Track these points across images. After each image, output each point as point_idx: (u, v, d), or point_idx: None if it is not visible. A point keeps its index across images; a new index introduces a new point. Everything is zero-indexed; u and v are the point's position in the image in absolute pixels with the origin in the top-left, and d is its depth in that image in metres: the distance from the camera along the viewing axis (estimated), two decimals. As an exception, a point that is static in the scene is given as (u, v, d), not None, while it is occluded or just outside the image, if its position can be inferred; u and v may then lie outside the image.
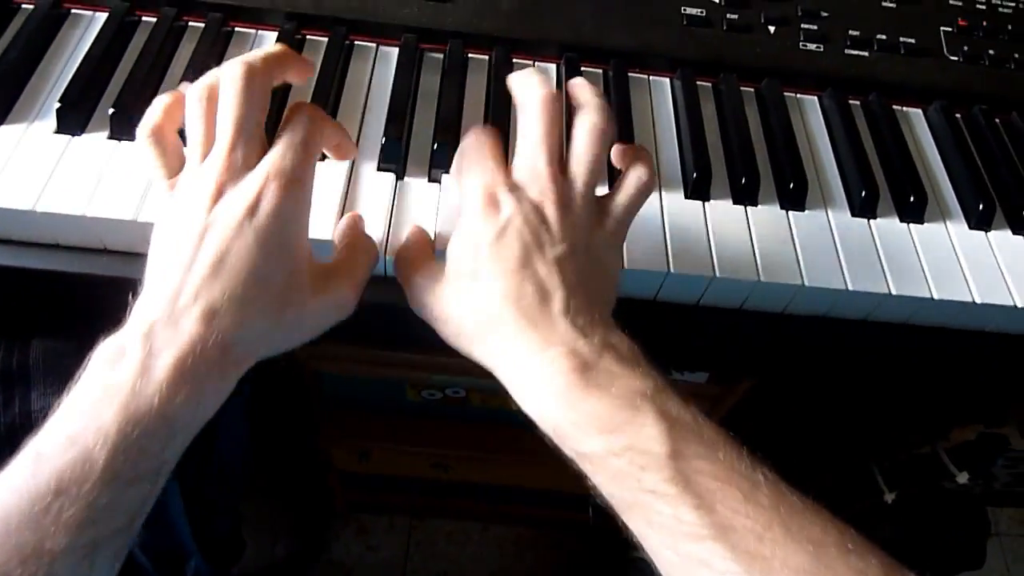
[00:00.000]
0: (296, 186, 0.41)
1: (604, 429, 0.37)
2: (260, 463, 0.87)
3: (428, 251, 0.48)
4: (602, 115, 0.45)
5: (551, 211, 0.43)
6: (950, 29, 0.65)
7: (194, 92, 0.42)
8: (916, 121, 0.64)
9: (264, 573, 1.26)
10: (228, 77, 0.41)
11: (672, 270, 0.50)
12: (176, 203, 0.41)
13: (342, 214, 0.50)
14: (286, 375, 0.84)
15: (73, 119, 0.51)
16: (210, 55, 0.56)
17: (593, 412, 0.37)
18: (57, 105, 0.51)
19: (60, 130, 0.51)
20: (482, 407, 0.99)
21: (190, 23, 0.59)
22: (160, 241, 0.41)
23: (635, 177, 0.46)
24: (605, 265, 0.45)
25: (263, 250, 0.39)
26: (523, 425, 1.05)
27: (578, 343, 0.39)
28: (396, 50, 0.60)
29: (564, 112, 0.48)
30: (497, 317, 0.41)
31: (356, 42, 0.60)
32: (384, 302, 0.50)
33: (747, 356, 0.63)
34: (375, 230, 0.49)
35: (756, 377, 0.81)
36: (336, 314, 0.44)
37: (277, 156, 0.41)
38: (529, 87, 0.45)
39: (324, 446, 1.06)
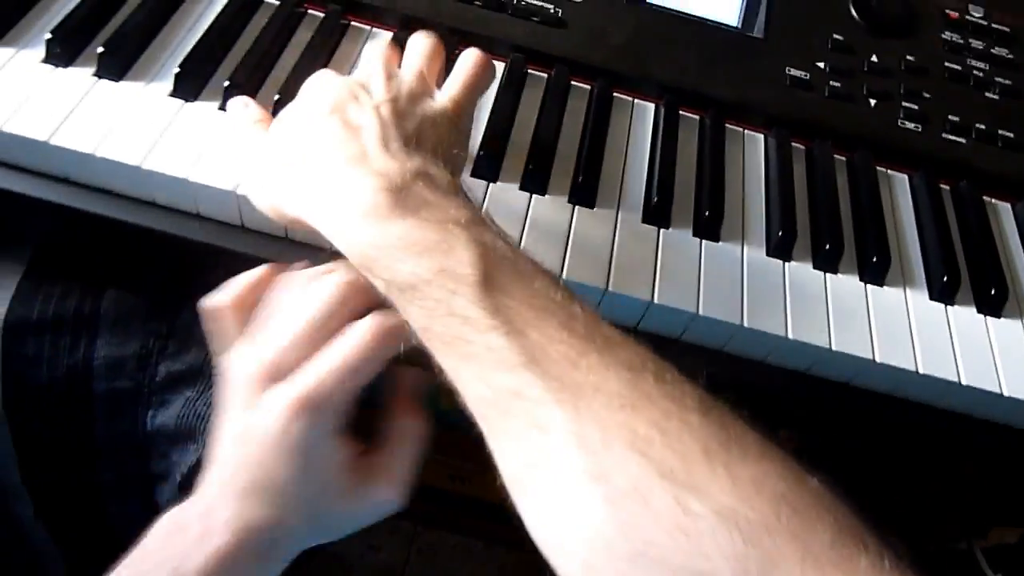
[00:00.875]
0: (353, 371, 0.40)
1: (413, 251, 0.35)
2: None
3: (263, 120, 0.47)
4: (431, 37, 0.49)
5: (376, 80, 0.44)
6: (1050, 128, 0.64)
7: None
8: (1004, 215, 0.63)
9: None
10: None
11: (745, 324, 0.50)
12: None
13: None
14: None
15: (189, 85, 0.53)
16: (324, 47, 0.58)
17: (402, 234, 0.35)
18: (176, 70, 0.53)
19: (175, 94, 0.53)
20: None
21: (309, 11, 0.61)
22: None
23: (468, 57, 0.48)
24: (436, 120, 0.44)
25: (318, 447, 0.40)
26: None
27: (389, 165, 0.38)
28: (502, 65, 0.61)
29: None
30: (308, 152, 0.40)
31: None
32: None
33: (797, 418, 0.63)
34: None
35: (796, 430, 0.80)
36: (379, 512, 0.44)
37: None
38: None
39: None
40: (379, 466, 0.44)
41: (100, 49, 0.52)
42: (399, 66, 0.48)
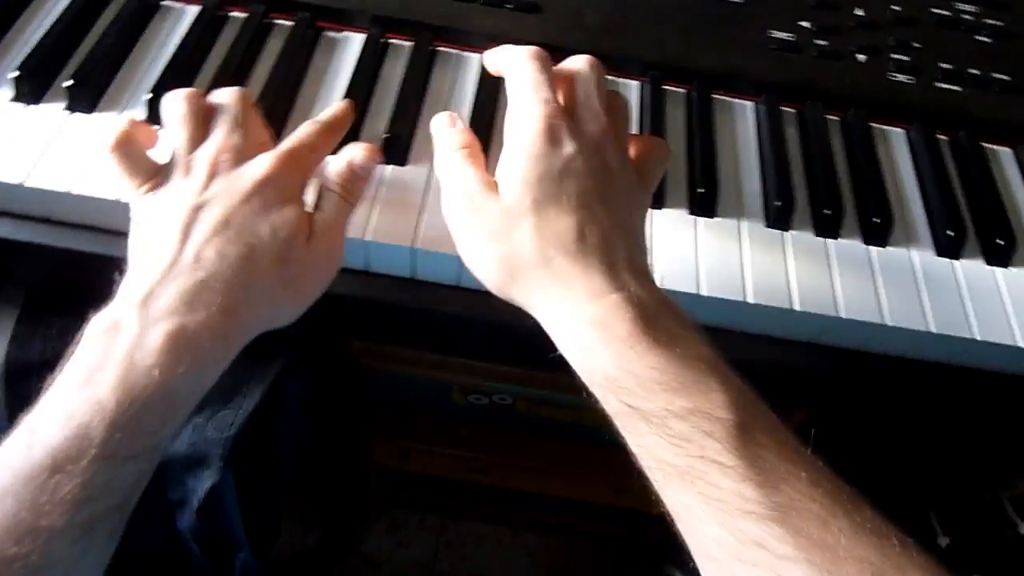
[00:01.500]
0: (296, 163, 0.42)
1: (668, 388, 0.35)
2: (308, 457, 0.87)
3: (480, 157, 0.44)
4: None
5: (611, 155, 0.42)
6: (1046, 67, 0.63)
7: (182, 92, 0.44)
8: (1006, 161, 0.62)
9: (294, 561, 1.27)
10: (222, 92, 0.45)
11: (750, 300, 0.49)
12: (166, 192, 0.41)
13: (419, 214, 0.50)
14: (340, 372, 0.84)
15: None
16: (297, 55, 0.57)
17: (657, 367, 0.35)
18: (148, 96, 0.52)
19: (149, 119, 0.52)
20: (527, 415, 0.98)
21: (277, 21, 0.59)
22: (147, 225, 0.41)
23: (658, 146, 0.47)
24: (640, 213, 0.44)
25: (268, 216, 0.40)
26: (565, 436, 1.04)
27: (640, 293, 0.37)
28: (478, 58, 0.59)
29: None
30: (557, 249, 0.38)
31: (440, 48, 0.60)
32: (447, 311, 0.52)
33: (803, 386, 0.62)
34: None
35: (810, 408, 0.80)
36: (329, 265, 0.44)
37: (290, 144, 0.43)
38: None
39: (367, 442, 1.06)
40: (323, 226, 0.43)
41: (69, 82, 0.51)
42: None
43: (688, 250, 0.51)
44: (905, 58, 0.61)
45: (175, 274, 0.38)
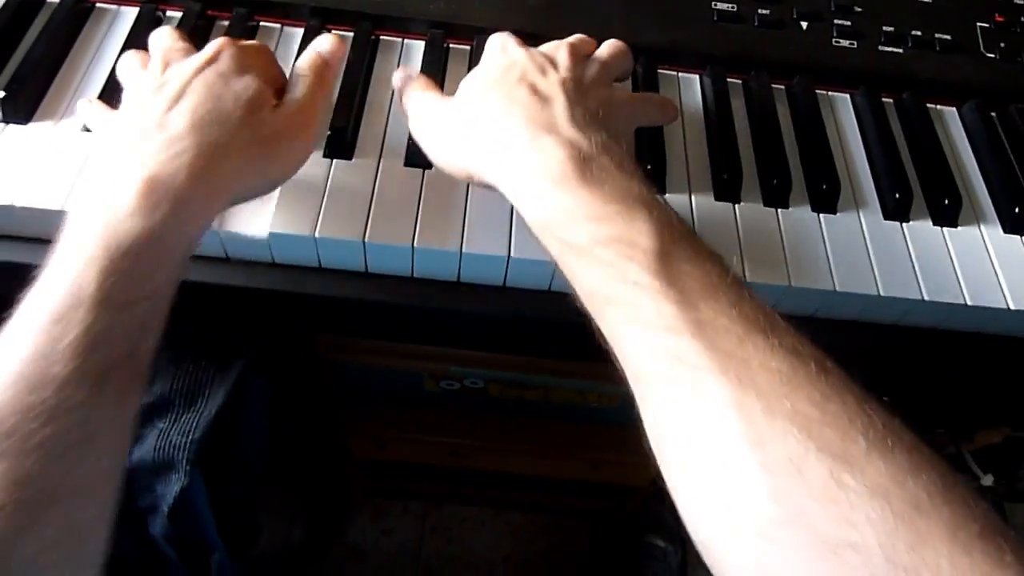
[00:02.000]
0: (248, 52, 0.45)
1: (593, 217, 0.37)
2: (279, 453, 0.87)
3: (435, 86, 0.50)
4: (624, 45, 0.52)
5: (561, 56, 0.47)
6: (987, 25, 0.63)
7: (130, 53, 0.48)
8: (950, 120, 0.63)
9: (280, 557, 1.28)
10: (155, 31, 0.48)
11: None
12: (126, 95, 0.45)
13: (370, 210, 0.50)
14: (306, 368, 0.84)
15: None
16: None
17: (585, 201, 0.38)
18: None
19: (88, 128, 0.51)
20: (500, 397, 0.99)
21: (217, 18, 0.58)
22: (116, 124, 0.43)
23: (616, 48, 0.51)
24: (619, 111, 0.47)
25: (227, 81, 0.43)
26: (539, 415, 1.05)
27: (576, 136, 0.40)
28: (422, 44, 0.59)
29: None
30: (496, 118, 0.43)
31: (382, 37, 0.60)
32: (409, 303, 0.52)
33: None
34: (407, 221, 0.50)
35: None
36: (302, 136, 0.46)
37: (223, 38, 0.46)
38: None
39: (342, 435, 1.06)
40: (291, 107, 0.46)
41: (1, 93, 0.50)
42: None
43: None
44: (847, 23, 0.61)
45: (142, 139, 0.39)
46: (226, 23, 0.58)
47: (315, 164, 0.51)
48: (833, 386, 0.32)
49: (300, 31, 0.58)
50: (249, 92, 0.43)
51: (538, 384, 0.95)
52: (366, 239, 0.49)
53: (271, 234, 0.48)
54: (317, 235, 0.48)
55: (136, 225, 0.36)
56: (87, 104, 0.50)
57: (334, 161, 0.52)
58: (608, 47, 0.51)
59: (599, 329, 0.38)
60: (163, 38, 0.47)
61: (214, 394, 0.61)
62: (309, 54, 0.48)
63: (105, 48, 0.56)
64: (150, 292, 0.37)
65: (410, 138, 0.52)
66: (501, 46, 0.48)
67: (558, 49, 0.48)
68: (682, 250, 0.36)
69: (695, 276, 0.35)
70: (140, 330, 0.37)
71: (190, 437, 0.59)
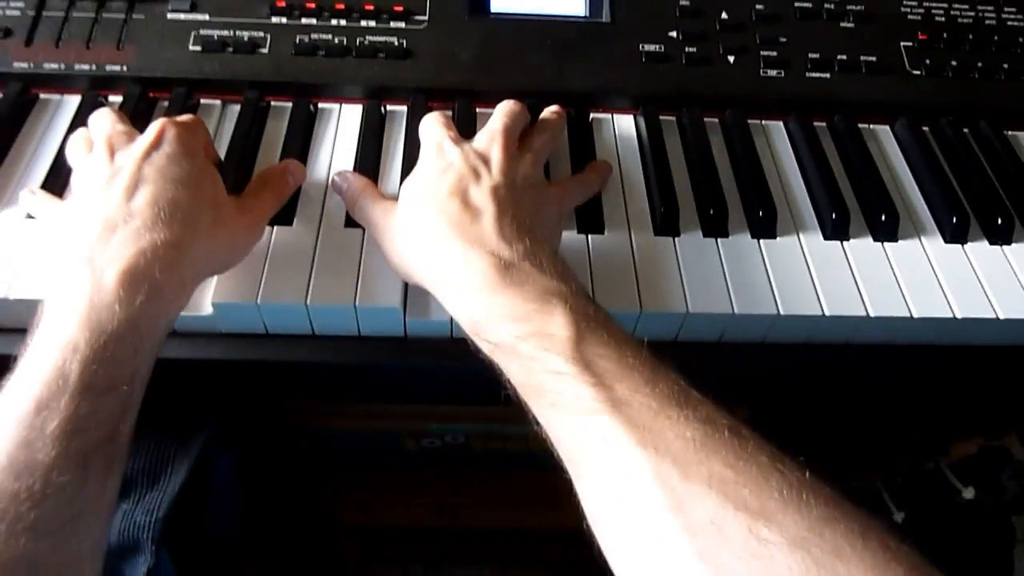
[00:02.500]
0: (189, 128, 0.47)
1: (515, 318, 0.40)
2: (259, 525, 0.86)
3: (378, 193, 0.52)
4: (557, 115, 0.55)
5: (496, 155, 0.48)
6: (911, 44, 0.65)
7: (72, 138, 0.50)
8: (884, 138, 0.64)
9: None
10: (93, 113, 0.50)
11: (643, 309, 0.50)
12: (76, 188, 0.46)
13: (312, 270, 0.50)
14: (279, 437, 0.83)
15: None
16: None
17: (507, 303, 0.40)
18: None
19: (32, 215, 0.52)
20: (484, 451, 0.98)
21: (158, 101, 0.60)
22: (71, 214, 0.44)
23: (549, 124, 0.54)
24: (546, 211, 0.49)
25: (179, 164, 0.45)
26: (524, 467, 1.03)
27: (500, 247, 0.43)
28: (359, 108, 0.60)
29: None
30: (432, 233, 0.45)
31: (320, 104, 0.61)
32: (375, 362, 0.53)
33: (735, 387, 0.62)
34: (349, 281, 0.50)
35: (748, 406, 0.80)
36: (254, 228, 0.49)
37: (160, 121, 0.47)
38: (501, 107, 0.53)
39: (328, 503, 1.05)
40: (249, 199, 0.50)
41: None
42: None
43: (583, 268, 0.52)
44: (773, 53, 0.63)
45: (111, 229, 0.41)
46: (167, 103, 0.59)
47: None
48: (747, 448, 0.33)
49: (238, 106, 0.60)
50: (204, 177, 0.46)
51: (518, 434, 0.94)
52: (308, 302, 0.49)
53: (215, 305, 0.49)
54: (259, 301, 0.49)
55: (116, 315, 0.38)
56: (30, 195, 0.51)
57: (275, 228, 0.52)
58: (541, 131, 0.53)
59: (534, 418, 0.40)
60: (104, 122, 0.49)
61: (177, 470, 0.60)
62: (278, 167, 0.53)
63: (48, 137, 0.57)
64: (129, 375, 0.39)
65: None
66: (437, 145, 0.50)
67: (492, 143, 0.49)
68: (596, 335, 0.38)
69: (610, 358, 0.37)
70: (121, 412, 0.39)
71: (154, 516, 0.58)
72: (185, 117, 0.50)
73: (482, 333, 0.41)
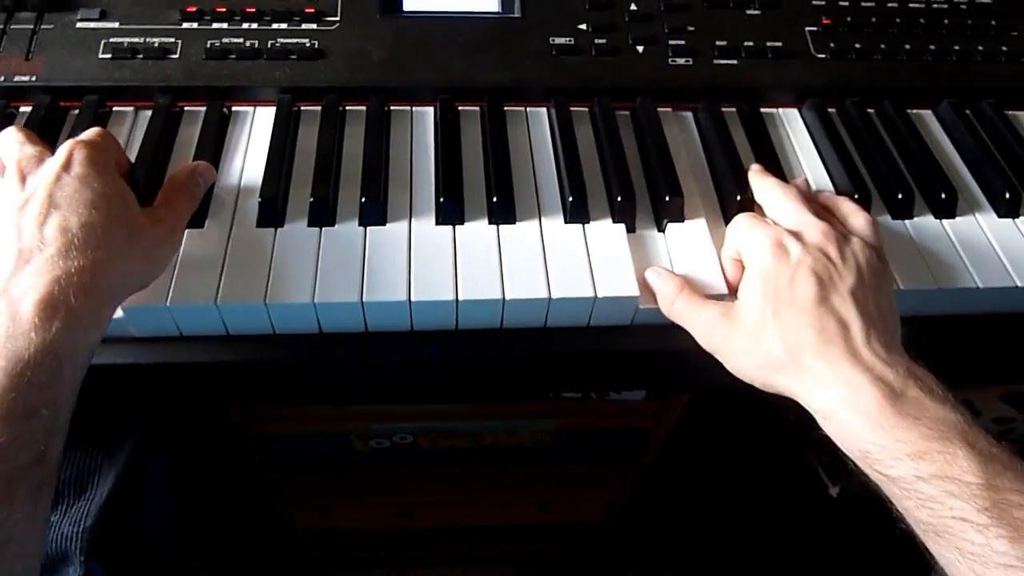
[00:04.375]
0: (98, 147, 0.47)
1: (914, 455, 0.39)
2: (200, 532, 0.85)
3: (700, 291, 0.51)
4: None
5: (833, 250, 0.48)
6: (815, 29, 0.66)
7: None
8: (792, 120, 0.65)
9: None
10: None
11: (553, 296, 0.51)
12: None
13: (223, 270, 0.51)
14: (224, 440, 0.83)
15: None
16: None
17: (904, 439, 0.40)
18: None
19: None
20: (433, 450, 0.98)
21: (69, 110, 0.60)
22: None
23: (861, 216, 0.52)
24: (887, 292, 0.48)
25: (90, 186, 0.44)
26: (476, 464, 1.03)
27: (885, 371, 0.42)
28: (272, 111, 0.61)
29: None
30: (801, 348, 0.44)
31: (234, 108, 0.61)
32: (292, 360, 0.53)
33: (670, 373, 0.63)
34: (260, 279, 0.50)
35: (689, 390, 0.82)
36: (172, 237, 0.49)
37: (68, 143, 0.47)
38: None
39: (283, 508, 1.05)
40: (160, 210, 0.49)
41: None
42: None
43: (492, 257, 0.53)
44: (681, 42, 0.64)
45: (24, 260, 0.41)
46: (76, 111, 0.59)
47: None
48: None
49: (149, 111, 0.60)
50: (116, 196, 0.45)
51: (465, 431, 0.95)
52: (218, 301, 0.49)
53: (125, 309, 0.49)
54: (170, 303, 0.49)
55: (33, 342, 0.38)
56: None
57: (186, 231, 0.53)
58: (866, 223, 0.52)
59: (927, 550, 0.40)
60: (12, 144, 0.48)
61: (104, 479, 0.60)
62: (186, 170, 0.53)
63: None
64: (51, 399, 0.39)
65: (262, 201, 0.53)
66: (774, 242, 0.48)
67: (828, 240, 0.48)
68: (1008, 481, 0.38)
69: (1021, 506, 0.36)
70: (45, 435, 0.39)
71: (82, 526, 0.58)
72: (93, 132, 0.49)
73: (875, 466, 0.41)
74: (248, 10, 0.62)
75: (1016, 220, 0.59)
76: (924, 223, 0.58)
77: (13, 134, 0.49)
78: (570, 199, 0.55)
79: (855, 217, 0.52)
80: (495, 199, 0.55)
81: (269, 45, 0.61)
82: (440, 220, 0.55)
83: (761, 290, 0.47)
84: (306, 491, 1.04)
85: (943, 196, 0.58)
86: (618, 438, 0.98)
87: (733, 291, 0.52)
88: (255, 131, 0.60)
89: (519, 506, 1.09)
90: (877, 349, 0.44)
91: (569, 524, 1.15)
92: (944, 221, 0.58)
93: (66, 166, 0.45)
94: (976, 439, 0.39)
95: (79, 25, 0.61)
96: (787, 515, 0.92)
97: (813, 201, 0.54)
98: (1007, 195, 0.59)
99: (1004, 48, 0.67)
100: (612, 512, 1.12)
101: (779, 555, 1.07)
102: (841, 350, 0.43)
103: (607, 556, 1.29)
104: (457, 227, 0.54)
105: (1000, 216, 0.59)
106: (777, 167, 0.60)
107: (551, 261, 0.53)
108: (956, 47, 0.67)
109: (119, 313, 0.49)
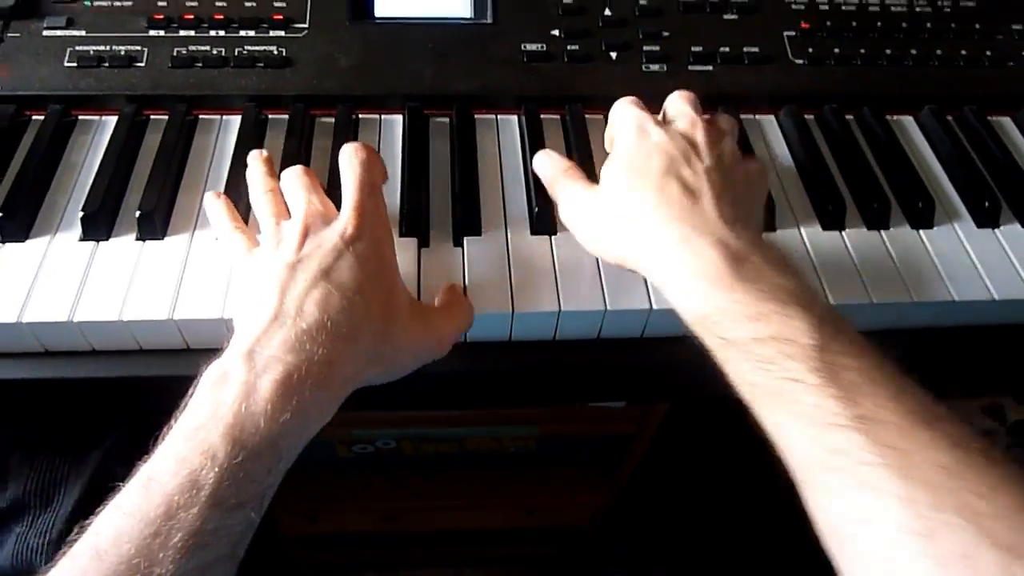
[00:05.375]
0: (379, 217, 0.46)
1: (752, 317, 0.39)
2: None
3: (581, 174, 0.51)
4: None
5: (700, 136, 0.48)
6: (793, 33, 0.65)
7: (258, 181, 0.49)
8: (769, 127, 0.64)
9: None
10: (288, 170, 0.48)
11: (517, 310, 0.50)
12: (262, 253, 0.44)
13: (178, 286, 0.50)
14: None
15: (100, 225, 0.52)
16: (51, 145, 0.57)
17: (742, 301, 0.39)
18: (81, 214, 0.52)
19: (86, 236, 0.52)
20: (417, 455, 0.98)
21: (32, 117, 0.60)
22: (250, 286, 0.43)
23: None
24: (753, 186, 0.49)
25: (364, 269, 0.42)
26: (460, 468, 1.03)
27: (727, 236, 0.42)
28: (238, 119, 0.60)
29: None
30: (647, 213, 0.44)
31: (200, 116, 0.61)
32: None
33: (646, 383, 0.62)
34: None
35: (668, 399, 0.81)
36: (434, 347, 0.46)
37: (355, 197, 0.45)
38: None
39: (270, 515, 1.05)
40: (442, 310, 0.48)
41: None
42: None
43: (456, 274, 0.52)
44: (655, 48, 0.63)
45: (278, 325, 0.39)
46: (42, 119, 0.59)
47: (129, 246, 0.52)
48: (1000, 476, 0.32)
49: (114, 118, 0.59)
50: (384, 286, 0.44)
51: (449, 437, 0.94)
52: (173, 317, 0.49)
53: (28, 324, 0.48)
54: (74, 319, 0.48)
55: (260, 430, 0.36)
56: (215, 198, 0.51)
57: (145, 242, 0.52)
58: (726, 117, 0.53)
59: (756, 416, 0.39)
60: (299, 192, 0.46)
61: (71, 489, 0.60)
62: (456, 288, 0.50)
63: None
64: (260, 494, 0.37)
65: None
66: (638, 126, 0.49)
67: (695, 128, 0.49)
68: (840, 344, 0.37)
69: (854, 369, 0.36)
70: (244, 528, 0.37)
71: (47, 538, 0.58)
72: (361, 182, 0.46)
73: (712, 328, 0.41)
74: (216, 17, 0.61)
75: (995, 231, 0.58)
76: (901, 233, 0.57)
77: (301, 181, 0.47)
78: (536, 210, 0.55)
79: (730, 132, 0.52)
80: (460, 213, 0.54)
81: (236, 53, 0.60)
82: (404, 232, 0.54)
83: (617, 164, 0.48)
84: (291, 497, 1.03)
85: (920, 205, 0.57)
86: (602, 443, 0.97)
87: None
88: (221, 140, 0.59)
89: (505, 510, 1.08)
90: (725, 215, 0.43)
91: (556, 527, 1.14)
92: (921, 231, 0.57)
93: (352, 240, 0.43)
94: (812, 303, 0.39)
95: (45, 33, 0.60)
96: (773, 514, 0.91)
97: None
98: (986, 204, 0.58)
99: (987, 52, 0.66)
100: (598, 515, 1.12)
101: (766, 554, 1.07)
102: (684, 212, 0.43)
103: (595, 558, 1.28)
104: (420, 243, 0.53)
105: (979, 226, 0.58)
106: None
107: (515, 274, 0.52)
108: (938, 52, 0.65)
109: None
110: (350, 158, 0.47)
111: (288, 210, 0.47)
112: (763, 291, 0.40)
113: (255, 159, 0.51)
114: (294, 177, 0.48)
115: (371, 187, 0.46)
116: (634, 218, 0.45)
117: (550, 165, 0.52)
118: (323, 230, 0.44)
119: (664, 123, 0.50)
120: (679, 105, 0.51)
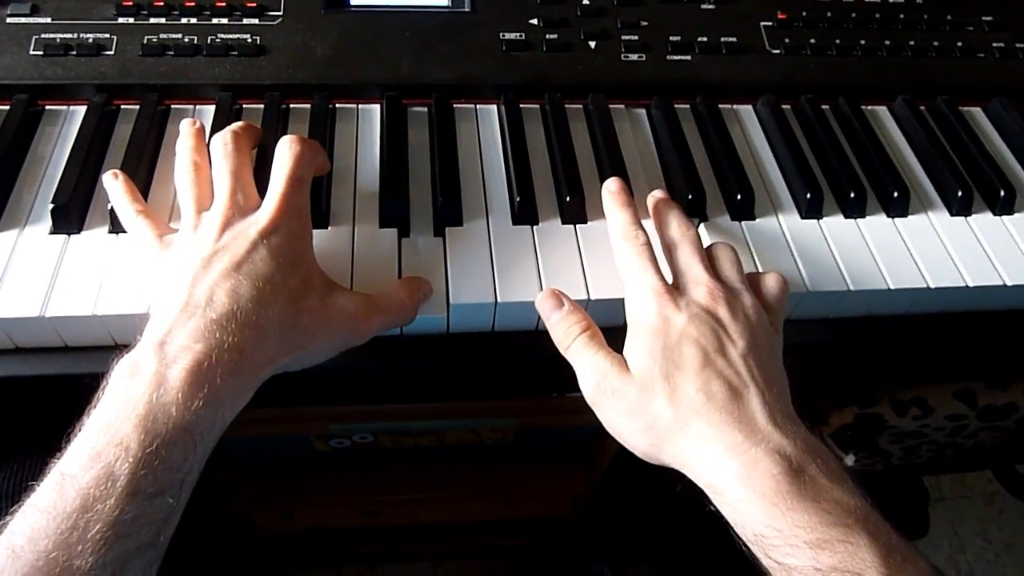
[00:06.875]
0: (300, 210, 0.45)
1: (813, 544, 0.36)
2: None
3: (600, 338, 0.47)
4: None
5: (724, 313, 0.44)
6: (770, 24, 0.66)
7: (185, 157, 0.48)
8: (747, 117, 0.64)
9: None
10: (217, 143, 0.47)
11: (499, 300, 0.50)
12: (179, 245, 0.44)
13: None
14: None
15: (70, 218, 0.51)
16: (17, 135, 0.55)
17: (804, 524, 0.37)
18: (51, 206, 0.50)
19: (56, 229, 0.51)
20: (394, 449, 0.97)
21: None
22: (163, 278, 0.43)
23: (774, 277, 0.49)
24: (777, 354, 0.46)
25: (276, 260, 0.42)
26: (438, 462, 1.03)
27: (783, 444, 0.39)
28: (212, 109, 0.59)
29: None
30: (691, 418, 0.41)
31: (172, 106, 0.59)
32: None
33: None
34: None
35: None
36: (350, 336, 0.46)
37: (279, 190, 0.45)
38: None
39: (243, 511, 1.03)
40: (362, 304, 0.46)
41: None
42: None
43: (438, 265, 0.51)
44: (634, 38, 0.63)
45: (188, 315, 0.39)
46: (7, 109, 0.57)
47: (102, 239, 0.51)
48: None
49: (83, 108, 0.58)
50: (298, 276, 0.43)
51: (427, 430, 0.94)
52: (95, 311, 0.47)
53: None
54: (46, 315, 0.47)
55: (172, 418, 0.36)
56: (113, 178, 0.50)
57: (119, 235, 0.51)
58: (724, 252, 0.49)
59: None
60: (226, 180, 0.46)
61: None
62: (416, 283, 0.49)
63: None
64: (179, 481, 0.37)
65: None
66: (658, 307, 0.44)
67: (716, 303, 0.45)
68: (907, 575, 0.36)
69: None
70: (166, 516, 0.37)
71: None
72: (301, 179, 0.46)
73: (768, 551, 0.38)
74: (187, 4, 0.60)
75: (968, 219, 0.58)
76: (876, 222, 0.58)
77: (229, 163, 0.47)
78: (517, 199, 0.54)
79: (768, 278, 0.49)
80: (440, 200, 0.54)
81: (209, 41, 0.59)
82: (384, 223, 0.53)
83: (648, 348, 0.44)
84: (267, 493, 1.02)
85: (895, 195, 0.58)
86: (581, 433, 0.97)
87: None
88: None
89: (484, 503, 1.08)
90: (775, 418, 0.41)
91: (536, 519, 1.14)
92: (896, 220, 0.58)
93: (267, 233, 0.43)
94: (877, 528, 0.37)
95: (9, 20, 0.58)
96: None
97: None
98: (959, 193, 0.59)
99: (959, 44, 0.67)
100: (578, 506, 1.12)
101: (745, 544, 1.08)
102: (734, 417, 0.40)
103: (575, 549, 1.29)
104: (403, 239, 0.53)
105: (952, 214, 0.59)
106: (737, 164, 0.59)
107: (498, 264, 0.51)
108: (911, 42, 0.66)
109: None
110: (286, 150, 0.47)
111: (211, 190, 0.47)
112: (826, 512, 0.37)
113: (185, 131, 0.50)
114: (222, 157, 0.47)
115: (298, 182, 0.46)
116: (678, 420, 0.42)
117: (566, 322, 0.47)
118: (240, 222, 0.44)
119: (679, 291, 0.46)
120: (688, 261, 0.47)
